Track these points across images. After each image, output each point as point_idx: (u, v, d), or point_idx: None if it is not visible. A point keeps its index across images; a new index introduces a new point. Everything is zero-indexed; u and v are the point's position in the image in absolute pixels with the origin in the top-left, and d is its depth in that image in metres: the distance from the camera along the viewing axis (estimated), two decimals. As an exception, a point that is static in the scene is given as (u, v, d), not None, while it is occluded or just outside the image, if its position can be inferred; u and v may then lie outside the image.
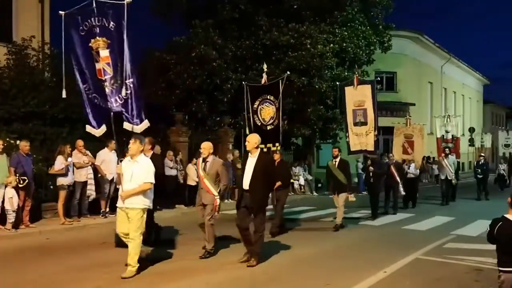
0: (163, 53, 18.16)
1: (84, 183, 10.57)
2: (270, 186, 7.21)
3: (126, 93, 6.87)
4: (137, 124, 7.03)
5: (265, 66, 10.77)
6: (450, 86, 37.88)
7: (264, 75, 10.62)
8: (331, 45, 18.17)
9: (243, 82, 11.13)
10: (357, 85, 11.90)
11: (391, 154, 14.12)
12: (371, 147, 11.58)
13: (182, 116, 15.57)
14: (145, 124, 7.10)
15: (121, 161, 11.61)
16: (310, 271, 6.62)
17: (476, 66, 50.97)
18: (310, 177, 19.43)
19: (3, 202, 8.96)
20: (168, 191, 12.80)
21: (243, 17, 18.43)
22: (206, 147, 7.35)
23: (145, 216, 6.18)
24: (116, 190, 11.50)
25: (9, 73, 12.71)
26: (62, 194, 9.98)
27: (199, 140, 16.06)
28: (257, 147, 6.82)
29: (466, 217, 12.18)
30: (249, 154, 6.86)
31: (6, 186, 8.93)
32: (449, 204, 15.40)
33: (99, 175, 11.01)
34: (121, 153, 11.40)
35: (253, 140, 6.86)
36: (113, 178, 11.21)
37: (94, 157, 10.90)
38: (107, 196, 11.12)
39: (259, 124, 10.32)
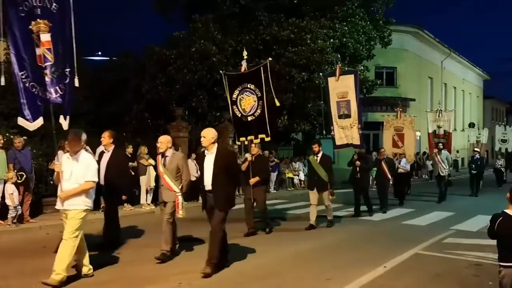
0: (163, 48, 18.12)
1: (84, 178, 10.55)
2: (234, 183, 6.58)
3: (65, 84, 6.18)
4: (64, 119, 6.34)
5: (244, 53, 9.76)
6: (450, 81, 37.83)
7: (244, 63, 9.65)
8: (331, 40, 18.16)
9: (221, 72, 10.09)
10: (339, 76, 11.33)
11: (382, 149, 13.42)
12: (356, 141, 11.14)
13: (183, 111, 15.55)
14: (68, 122, 6.32)
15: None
16: (310, 266, 6.63)
17: (476, 61, 50.93)
18: (310, 173, 19.44)
19: (3, 197, 8.98)
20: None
21: (243, 12, 18.39)
22: (163, 141, 6.86)
23: (85, 217, 5.60)
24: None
25: (8, 68, 12.68)
26: (63, 189, 9.96)
27: (199, 135, 16.14)
28: (214, 142, 6.21)
29: (466, 212, 12.18)
30: (206, 150, 6.25)
31: (5, 182, 8.94)
32: (445, 201, 14.68)
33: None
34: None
35: (209, 135, 6.22)
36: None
37: (94, 152, 10.90)
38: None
39: (239, 115, 9.46)
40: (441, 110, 17.73)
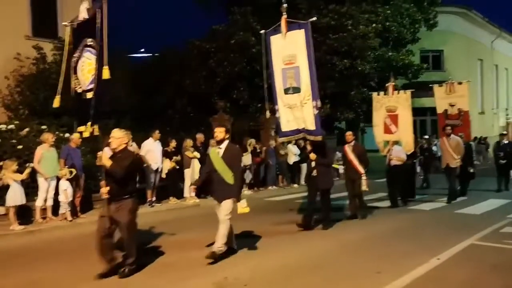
0: (203, 41, 18.23)
1: (131, 173, 10.77)
2: None
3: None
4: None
5: None
6: (502, 62, 36.04)
7: (83, 5, 6.31)
8: (374, 25, 17.66)
9: (63, 24, 6.67)
10: (286, 32, 8.07)
11: (349, 133, 9.95)
12: (311, 125, 7.83)
13: (224, 104, 15.60)
14: None
15: (165, 151, 11.74)
16: (358, 258, 6.43)
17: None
18: (355, 162, 19.02)
19: (56, 194, 9.28)
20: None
21: (282, 1, 18.15)
22: None
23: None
24: (162, 179, 11.72)
25: (56, 68, 13.09)
26: (111, 184, 10.20)
27: (241, 127, 16.18)
28: None
29: (524, 200, 11.56)
30: None
31: (59, 179, 9.23)
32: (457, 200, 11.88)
33: (145, 165, 11.22)
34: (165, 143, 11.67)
35: None
36: (157, 168, 11.40)
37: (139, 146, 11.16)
38: (152, 185, 11.34)
39: (80, 90, 6.26)
40: (452, 83, 13.73)
